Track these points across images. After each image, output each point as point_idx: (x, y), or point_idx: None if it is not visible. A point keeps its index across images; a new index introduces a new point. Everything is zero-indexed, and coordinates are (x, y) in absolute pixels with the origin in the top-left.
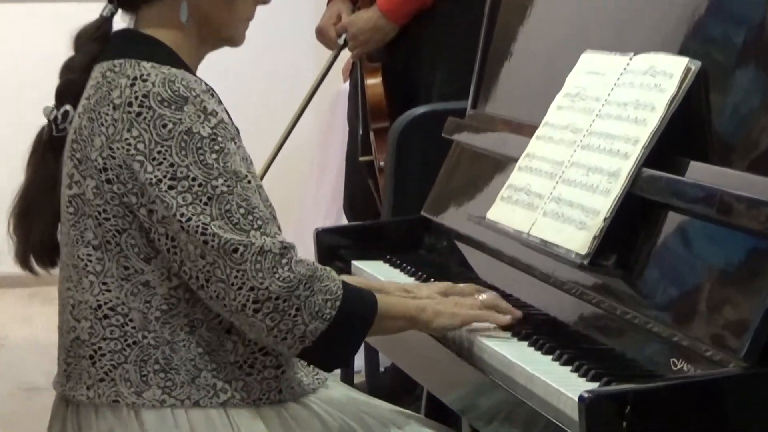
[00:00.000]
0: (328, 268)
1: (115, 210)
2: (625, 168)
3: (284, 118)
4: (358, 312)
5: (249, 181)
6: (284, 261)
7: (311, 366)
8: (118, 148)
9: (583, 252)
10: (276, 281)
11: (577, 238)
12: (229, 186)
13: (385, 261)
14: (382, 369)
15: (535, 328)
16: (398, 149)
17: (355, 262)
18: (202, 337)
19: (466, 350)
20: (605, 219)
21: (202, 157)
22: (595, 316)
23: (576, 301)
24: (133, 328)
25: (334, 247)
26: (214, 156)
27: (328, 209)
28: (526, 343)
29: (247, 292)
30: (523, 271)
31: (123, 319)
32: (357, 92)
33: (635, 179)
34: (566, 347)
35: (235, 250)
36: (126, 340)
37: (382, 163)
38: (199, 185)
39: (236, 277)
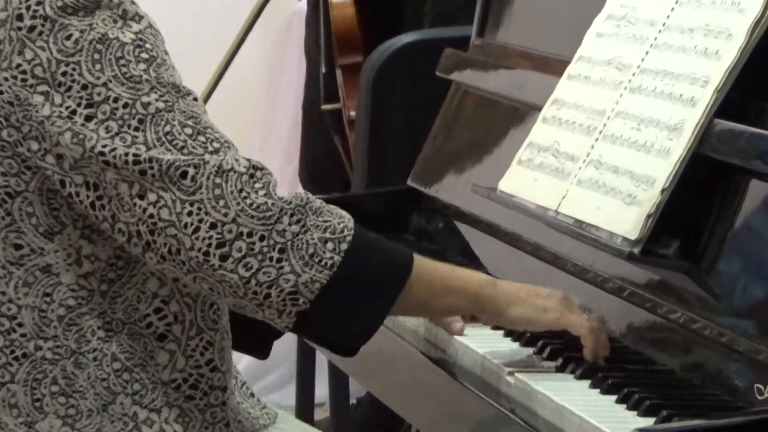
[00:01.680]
0: (331, 206)
1: (4, 166)
2: (691, 119)
3: (218, 50)
4: (381, 263)
5: (195, 99)
6: (257, 184)
7: (255, 397)
8: (6, 79)
9: (634, 236)
10: (247, 209)
11: (624, 216)
12: (167, 101)
13: None
14: (353, 401)
15: (566, 343)
16: (375, 94)
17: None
18: (122, 345)
19: (477, 377)
20: (664, 190)
21: (124, 69)
22: (649, 325)
23: (622, 305)
24: (23, 335)
25: None
26: (142, 66)
27: (279, 176)
28: (554, 364)
29: (207, 231)
30: (549, 262)
31: (9, 323)
32: (318, 14)
33: (705, 135)
34: (609, 369)
35: (184, 174)
36: (12, 352)
37: (352, 113)
38: (125, 106)
39: (190, 213)
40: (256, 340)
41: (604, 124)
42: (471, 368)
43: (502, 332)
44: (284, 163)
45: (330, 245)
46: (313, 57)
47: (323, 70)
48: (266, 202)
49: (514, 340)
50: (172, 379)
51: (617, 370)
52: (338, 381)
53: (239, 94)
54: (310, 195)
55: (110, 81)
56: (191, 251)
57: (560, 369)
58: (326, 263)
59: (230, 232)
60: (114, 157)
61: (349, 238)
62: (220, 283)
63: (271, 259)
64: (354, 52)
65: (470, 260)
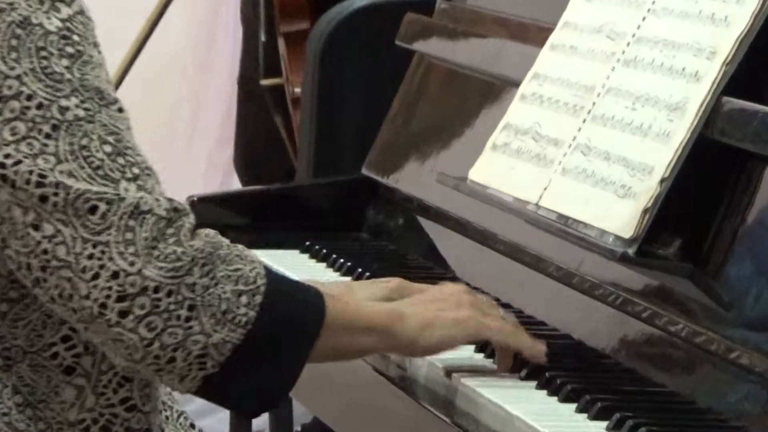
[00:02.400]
0: (241, 246)
1: None
2: (694, 97)
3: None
4: (294, 315)
5: (120, 110)
6: (170, 230)
7: (196, 430)
8: None
9: (628, 234)
10: (155, 261)
11: (616, 211)
12: (88, 110)
13: (303, 249)
14: (297, 429)
15: (550, 360)
16: (323, 67)
17: (253, 252)
18: (21, 379)
19: (441, 397)
20: (663, 180)
21: (45, 63)
22: (645, 338)
23: (614, 315)
24: None
25: (219, 226)
26: (65, 62)
27: (210, 163)
28: (535, 383)
29: (107, 280)
30: (528, 265)
31: None
32: None
33: (712, 115)
34: (599, 390)
35: (94, 209)
36: None
37: (297, 90)
38: (39, 107)
39: (90, 256)
40: None
41: (594, 103)
42: (435, 388)
43: (473, 347)
44: (216, 148)
45: (244, 299)
46: (250, 23)
47: (262, 38)
48: (175, 251)
49: (488, 356)
50: (80, 420)
51: (608, 392)
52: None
53: (162, 67)
54: (217, 237)
55: (26, 74)
56: (85, 300)
57: (542, 387)
58: (240, 320)
59: (133, 285)
60: (15, 172)
61: (263, 289)
62: (115, 342)
63: (178, 317)
64: (299, 18)
65: (435, 262)
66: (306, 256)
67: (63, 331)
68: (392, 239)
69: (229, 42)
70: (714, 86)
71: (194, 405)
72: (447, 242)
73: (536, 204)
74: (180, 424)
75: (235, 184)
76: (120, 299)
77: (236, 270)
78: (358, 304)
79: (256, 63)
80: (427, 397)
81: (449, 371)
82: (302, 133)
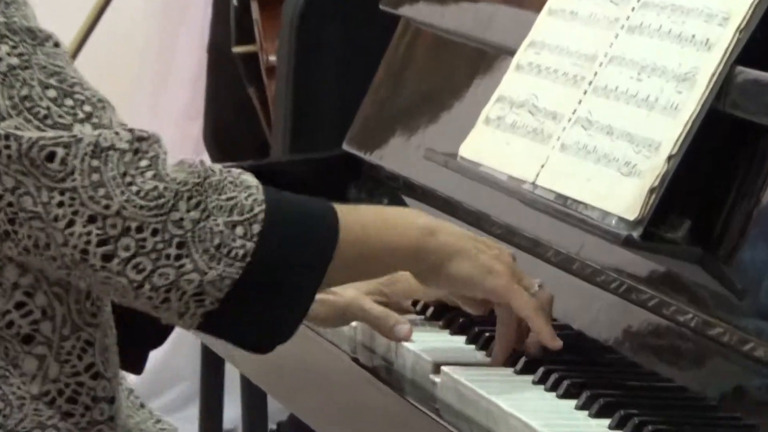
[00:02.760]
0: (236, 171)
1: None
2: (705, 67)
3: None
4: (301, 236)
5: (56, 44)
6: (142, 161)
7: (146, 408)
8: None
9: (632, 216)
10: (134, 198)
11: (620, 191)
12: (21, 55)
13: None
14: (272, 426)
15: (547, 352)
16: (301, 33)
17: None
18: None
19: (429, 393)
20: (671, 157)
21: None
22: (652, 329)
23: (618, 303)
24: None
25: None
26: None
27: (177, 139)
28: (531, 377)
29: (84, 226)
30: (524, 249)
31: None
32: None
33: (724, 86)
34: (601, 386)
35: (51, 156)
36: None
37: (272, 58)
38: None
39: (61, 203)
40: (126, 349)
41: (595, 73)
42: (422, 383)
43: (464, 337)
44: (184, 121)
45: (239, 230)
46: None
47: (234, 2)
48: (156, 187)
49: (480, 348)
50: (44, 392)
51: (611, 387)
52: (253, 401)
53: (125, 33)
54: (206, 164)
55: None
56: (64, 248)
57: (539, 382)
58: (237, 254)
59: (114, 227)
60: None
61: (261, 216)
62: (104, 285)
63: (168, 257)
64: None
65: None
66: None
67: (17, 297)
68: None
69: (199, 6)
70: (726, 55)
71: (162, 400)
72: None
73: (533, 183)
74: (131, 402)
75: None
76: (102, 243)
77: (230, 199)
78: (383, 217)
79: (228, 29)
80: (414, 393)
81: (438, 364)
82: (277, 106)
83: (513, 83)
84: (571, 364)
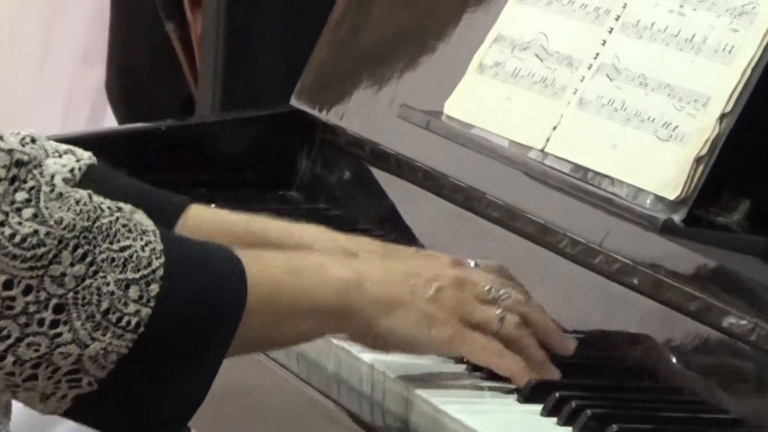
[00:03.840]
0: (127, 208)
1: None
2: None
3: None
4: (203, 306)
5: None
6: (20, 194)
7: None
8: None
9: (673, 195)
10: (5, 244)
11: (657, 161)
12: None
13: None
14: None
15: (565, 373)
16: None
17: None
18: None
19: (408, 425)
20: (723, 116)
21: None
22: (698, 344)
23: (654, 309)
24: None
25: (88, 180)
26: None
27: (72, 91)
28: (540, 408)
29: None
30: (530, 238)
31: None
32: None
33: None
34: (633, 419)
35: None
36: None
37: None
38: None
39: None
40: None
41: (624, 5)
42: (396, 410)
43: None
44: (81, 68)
45: (134, 291)
46: None
47: None
48: (37, 231)
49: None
50: None
51: (646, 421)
52: None
53: None
54: (92, 201)
55: None
56: None
57: (550, 413)
58: (128, 322)
59: None
60: None
61: (159, 273)
62: None
63: (41, 322)
64: None
65: (398, 234)
66: None
67: None
68: (335, 200)
69: None
70: None
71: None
72: (414, 205)
73: (542, 150)
74: None
75: (108, 121)
76: None
77: (123, 249)
78: (296, 269)
79: None
80: (382, 424)
81: (412, 386)
82: (204, 48)
83: (515, 18)
84: (593, 390)
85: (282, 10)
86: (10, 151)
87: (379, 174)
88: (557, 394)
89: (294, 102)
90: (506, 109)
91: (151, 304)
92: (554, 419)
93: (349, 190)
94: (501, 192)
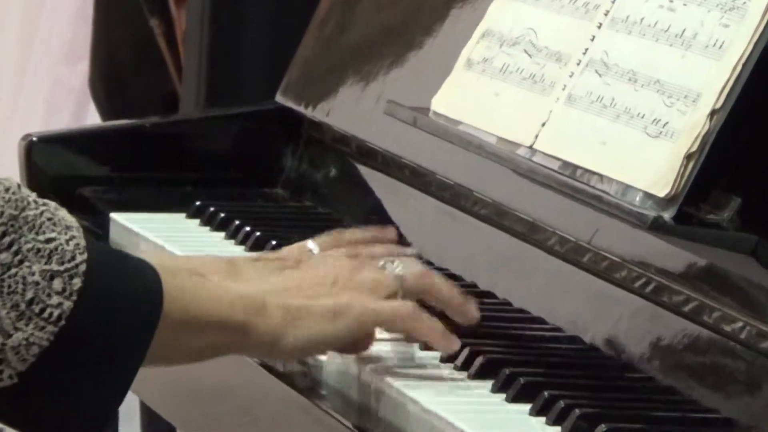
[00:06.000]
0: (52, 204)
1: None
2: None
3: None
4: (124, 304)
5: None
6: None
7: None
8: None
9: (663, 192)
10: None
11: (647, 158)
12: None
13: (192, 213)
14: None
15: (549, 374)
16: None
17: (116, 216)
18: None
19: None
20: (714, 113)
21: None
22: (688, 343)
23: (643, 308)
24: None
25: (69, 179)
26: None
27: (55, 87)
28: (529, 407)
29: None
30: (518, 236)
31: None
32: None
33: None
34: (623, 418)
35: None
36: None
37: None
38: None
39: None
40: None
41: (613, 0)
42: (385, 413)
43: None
44: (63, 65)
45: (57, 283)
46: None
47: None
48: None
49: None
50: None
51: (636, 420)
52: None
53: None
54: (20, 191)
55: None
56: None
57: (539, 413)
58: (51, 314)
59: None
60: None
61: (83, 268)
62: None
63: None
64: None
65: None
66: (196, 222)
67: None
68: (321, 198)
69: None
70: None
71: None
72: (401, 202)
73: (530, 147)
74: None
75: (92, 118)
76: None
77: (49, 241)
78: (205, 288)
79: None
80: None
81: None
82: (190, 44)
83: (503, 13)
84: (582, 390)
85: (267, 6)
86: None
87: (365, 171)
88: (546, 393)
89: (279, 99)
90: (494, 105)
91: (74, 298)
92: (543, 419)
93: (335, 187)
94: (489, 189)
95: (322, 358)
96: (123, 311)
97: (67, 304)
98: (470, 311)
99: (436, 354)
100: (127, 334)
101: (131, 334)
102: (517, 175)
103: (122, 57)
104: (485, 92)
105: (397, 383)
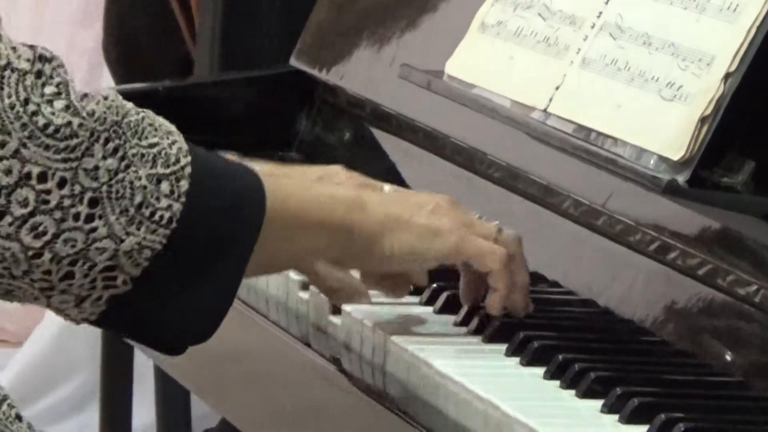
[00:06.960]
0: (151, 113)
1: None
2: None
3: None
4: (230, 206)
5: None
6: (47, 88)
7: (24, 423)
8: None
9: (677, 155)
10: (38, 135)
11: (661, 121)
12: None
13: None
14: None
15: (564, 338)
16: None
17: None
18: None
19: (399, 384)
20: (728, 76)
21: None
22: (703, 306)
23: (657, 272)
24: None
25: None
26: None
27: (69, 51)
28: (543, 370)
29: None
30: (532, 199)
31: None
32: None
33: None
34: (636, 382)
35: None
36: None
37: None
38: None
39: None
40: None
41: None
42: (399, 375)
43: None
44: (76, 28)
45: (165, 186)
46: None
47: None
48: (70, 123)
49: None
50: None
51: (649, 384)
52: (172, 401)
53: None
54: (118, 98)
55: None
56: None
57: (553, 376)
58: (161, 217)
59: (9, 172)
60: None
61: (188, 170)
62: None
63: (76, 217)
64: None
65: None
66: None
67: None
68: (335, 161)
69: None
70: None
71: (51, 399)
72: (415, 165)
73: (544, 110)
74: (3, 413)
75: (105, 81)
76: None
77: (152, 146)
78: (306, 187)
79: None
80: (394, 388)
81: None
82: (204, 7)
83: None
84: (596, 354)
85: None
86: (32, 47)
87: (379, 134)
88: (560, 357)
89: (294, 62)
90: (508, 68)
91: (182, 199)
92: (557, 382)
93: (349, 150)
94: (503, 153)
95: (336, 321)
96: (229, 210)
97: (177, 206)
98: (527, 305)
99: (450, 318)
100: (235, 233)
101: (238, 233)
102: (531, 139)
103: (135, 20)
104: (499, 56)
105: (411, 346)
